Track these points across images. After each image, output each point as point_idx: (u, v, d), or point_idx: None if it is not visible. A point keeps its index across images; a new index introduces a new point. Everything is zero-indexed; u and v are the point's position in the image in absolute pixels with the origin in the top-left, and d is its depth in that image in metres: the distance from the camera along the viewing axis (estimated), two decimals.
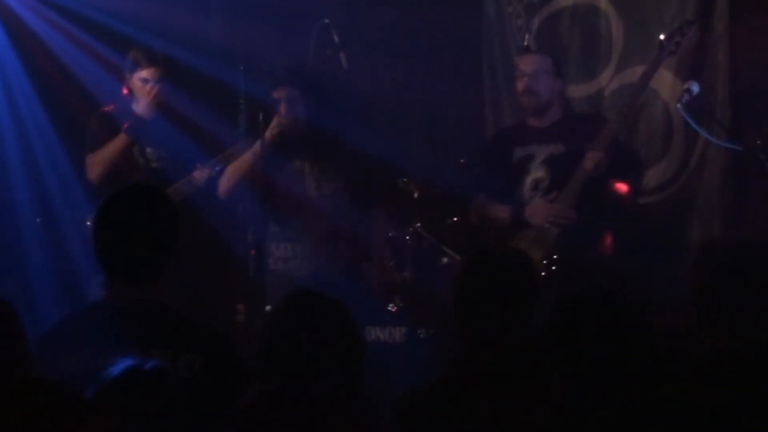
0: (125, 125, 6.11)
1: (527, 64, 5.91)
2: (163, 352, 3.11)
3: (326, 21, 6.28)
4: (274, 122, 5.93)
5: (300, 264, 5.83)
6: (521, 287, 3.20)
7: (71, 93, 6.57)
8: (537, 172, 5.81)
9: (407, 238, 6.04)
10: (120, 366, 2.61)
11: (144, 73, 6.14)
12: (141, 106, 6.17)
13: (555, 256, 5.60)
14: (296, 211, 5.82)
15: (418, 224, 6.23)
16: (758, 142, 5.38)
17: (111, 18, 6.83)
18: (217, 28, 7.19)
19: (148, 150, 6.15)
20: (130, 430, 2.46)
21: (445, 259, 6.19)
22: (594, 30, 6.61)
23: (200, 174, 6.06)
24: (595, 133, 5.66)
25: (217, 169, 6.09)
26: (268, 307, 5.63)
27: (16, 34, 6.86)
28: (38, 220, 6.31)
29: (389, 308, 6.03)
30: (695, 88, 5.42)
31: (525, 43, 6.37)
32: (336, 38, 6.22)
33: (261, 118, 6.06)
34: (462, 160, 6.49)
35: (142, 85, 6.14)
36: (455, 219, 6.45)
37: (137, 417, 2.51)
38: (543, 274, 5.51)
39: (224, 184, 6.10)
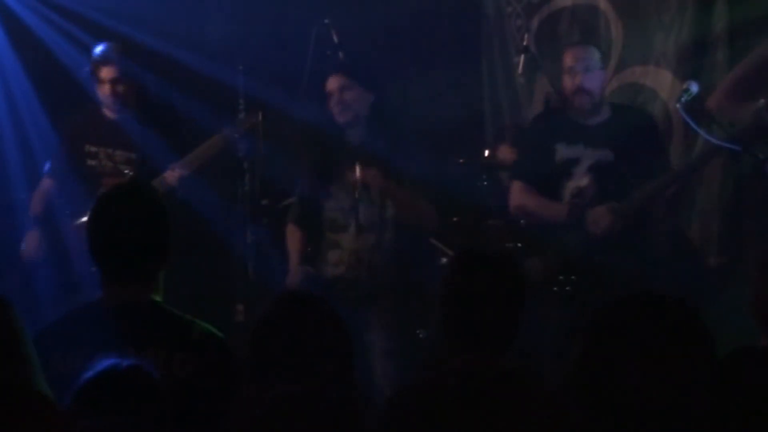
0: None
1: (576, 58, 5.55)
2: (157, 352, 3.11)
3: (326, 21, 6.28)
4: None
5: (347, 271, 5.68)
6: (508, 288, 3.19)
7: (71, 93, 6.57)
8: (581, 180, 5.50)
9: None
10: (96, 367, 2.61)
11: (102, 73, 6.07)
12: (107, 108, 6.13)
13: (573, 277, 5.43)
14: (347, 221, 5.66)
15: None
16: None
17: (111, 18, 6.84)
18: (217, 28, 7.19)
19: (118, 153, 6.11)
20: (111, 430, 2.46)
21: (444, 260, 6.19)
22: (593, 30, 6.62)
23: (171, 175, 5.98)
24: (645, 143, 5.44)
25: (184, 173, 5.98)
26: None
27: (16, 34, 6.86)
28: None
29: (419, 335, 6.01)
30: (695, 88, 5.40)
31: (524, 44, 6.36)
32: (335, 38, 6.22)
33: (260, 117, 6.07)
34: (461, 160, 6.50)
35: (100, 87, 6.08)
36: (455, 219, 6.45)
37: (116, 416, 2.51)
38: (555, 289, 5.44)
39: None
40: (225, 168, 6.34)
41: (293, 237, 5.81)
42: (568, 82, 5.58)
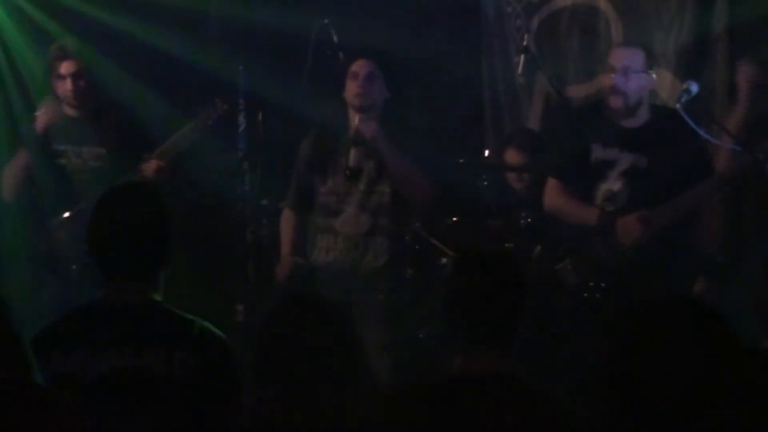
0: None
1: (617, 58, 5.47)
2: (157, 350, 3.11)
3: (326, 21, 6.28)
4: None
5: (338, 257, 5.69)
6: (510, 288, 3.18)
7: None
8: (614, 184, 5.43)
9: (407, 238, 5.94)
10: (104, 366, 2.61)
11: (61, 69, 6.00)
12: (67, 105, 6.06)
13: (603, 284, 5.39)
14: (341, 205, 5.68)
15: (418, 224, 6.24)
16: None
17: (111, 16, 6.84)
18: (217, 28, 7.20)
19: (85, 150, 6.06)
20: (115, 430, 2.46)
21: (444, 259, 6.19)
22: (593, 30, 6.62)
23: (148, 167, 5.94)
24: (684, 150, 5.34)
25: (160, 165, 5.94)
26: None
27: (15, 33, 6.85)
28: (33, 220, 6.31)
29: (419, 335, 6.01)
30: (694, 88, 5.38)
31: (524, 44, 6.35)
32: (335, 38, 6.22)
33: (260, 117, 6.07)
34: (461, 160, 6.50)
35: (60, 83, 6.01)
36: (455, 219, 6.45)
37: (121, 416, 2.51)
38: (585, 295, 5.41)
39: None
40: (225, 168, 6.35)
41: (287, 224, 5.84)
42: (605, 81, 5.53)
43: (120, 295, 3.26)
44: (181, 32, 6.90)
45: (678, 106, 5.36)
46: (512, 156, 6.37)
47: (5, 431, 1.96)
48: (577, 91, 6.60)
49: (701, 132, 5.42)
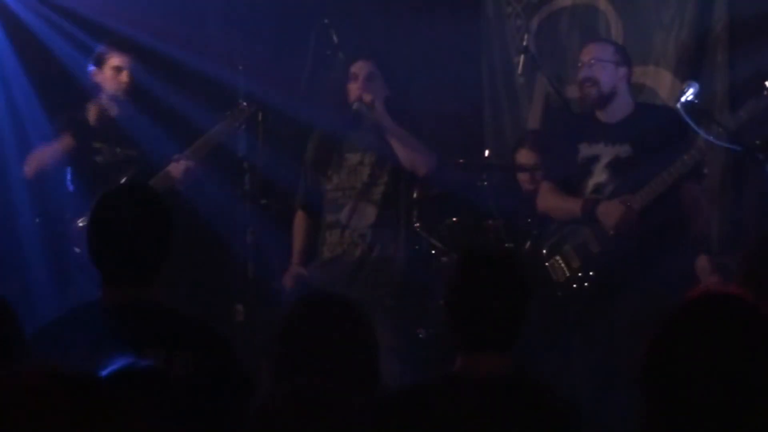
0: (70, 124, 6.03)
1: (585, 53, 5.58)
2: (156, 350, 3.11)
3: (326, 21, 6.29)
4: None
5: (346, 250, 5.71)
6: (512, 287, 3.18)
7: (71, 93, 6.56)
8: (600, 176, 5.49)
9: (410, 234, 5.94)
10: (112, 366, 2.60)
11: (116, 61, 6.03)
12: (113, 102, 6.07)
13: (591, 273, 5.42)
14: (346, 200, 5.72)
15: (418, 224, 6.24)
16: (757, 142, 5.37)
17: (111, 18, 6.83)
18: (217, 28, 7.19)
19: (118, 150, 6.06)
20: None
21: (444, 259, 6.19)
22: (593, 30, 6.63)
23: (176, 167, 5.96)
24: (668, 138, 5.37)
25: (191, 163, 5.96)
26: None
27: (16, 34, 6.85)
28: (37, 220, 6.31)
29: (419, 335, 6.01)
30: (695, 88, 5.40)
31: (524, 44, 6.36)
32: (335, 38, 6.22)
33: (260, 118, 6.07)
34: (461, 160, 6.50)
35: (114, 74, 6.03)
36: (455, 219, 6.45)
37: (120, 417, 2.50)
38: (574, 286, 5.45)
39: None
40: (225, 168, 6.34)
41: (298, 229, 5.89)
42: (579, 75, 5.60)
43: (120, 295, 3.25)
44: (181, 32, 6.91)
45: (678, 105, 5.38)
46: (525, 157, 6.38)
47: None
48: (576, 92, 6.60)
49: (701, 132, 5.43)
